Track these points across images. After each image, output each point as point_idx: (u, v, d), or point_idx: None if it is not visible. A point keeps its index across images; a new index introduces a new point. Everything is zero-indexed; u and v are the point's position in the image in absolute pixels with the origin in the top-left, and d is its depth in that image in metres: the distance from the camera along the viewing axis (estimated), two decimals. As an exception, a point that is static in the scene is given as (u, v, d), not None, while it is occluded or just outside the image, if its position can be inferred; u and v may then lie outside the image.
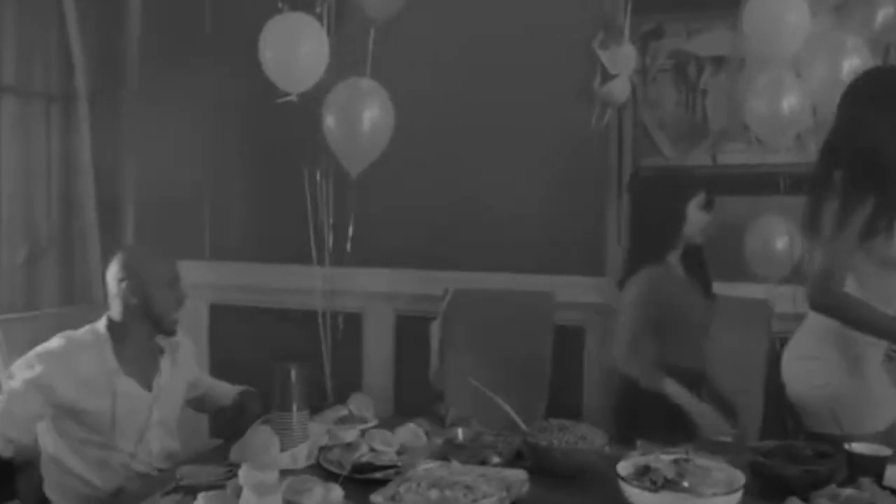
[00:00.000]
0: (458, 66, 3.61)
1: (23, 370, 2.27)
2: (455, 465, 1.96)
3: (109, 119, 3.65)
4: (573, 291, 3.47)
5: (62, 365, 2.27)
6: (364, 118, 2.96)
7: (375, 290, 3.81)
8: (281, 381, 2.18)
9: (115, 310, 2.40)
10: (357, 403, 2.52)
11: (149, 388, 2.41)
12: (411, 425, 2.24)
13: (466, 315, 3.46)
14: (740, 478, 1.79)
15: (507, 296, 3.48)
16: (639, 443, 2.16)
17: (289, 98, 2.85)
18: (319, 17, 2.98)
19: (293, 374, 2.19)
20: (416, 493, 1.78)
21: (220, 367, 4.11)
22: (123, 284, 2.37)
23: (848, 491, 1.81)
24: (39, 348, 2.31)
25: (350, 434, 2.17)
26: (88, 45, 3.55)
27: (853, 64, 2.76)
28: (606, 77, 3.13)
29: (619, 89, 3.15)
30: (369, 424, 2.40)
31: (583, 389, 3.57)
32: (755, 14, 2.86)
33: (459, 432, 2.20)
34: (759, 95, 2.97)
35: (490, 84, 3.58)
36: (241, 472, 1.81)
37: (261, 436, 2.14)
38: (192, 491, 1.87)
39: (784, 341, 2.46)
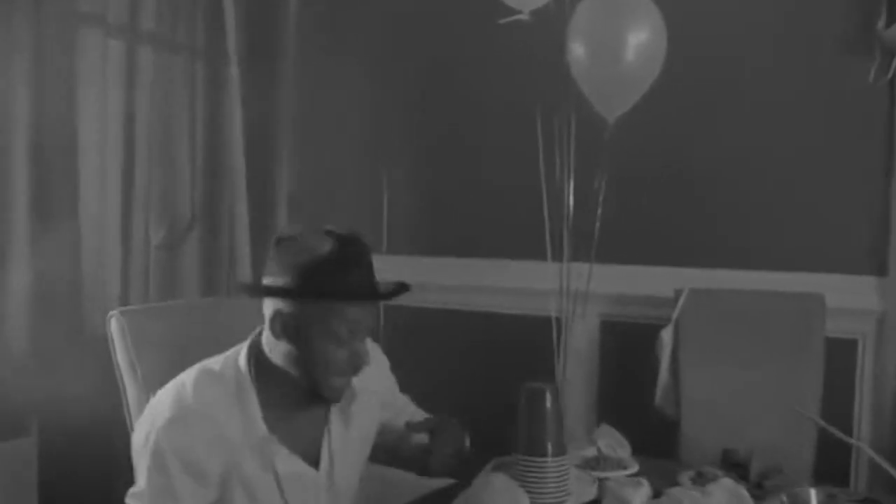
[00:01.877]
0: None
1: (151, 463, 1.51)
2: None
3: (263, 81, 3.19)
4: (845, 295, 2.71)
5: (203, 436, 1.51)
6: (629, 43, 2.32)
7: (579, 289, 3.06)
8: (530, 409, 1.50)
9: (267, 337, 1.59)
10: (607, 439, 1.89)
11: (314, 461, 1.66)
12: (728, 482, 1.50)
13: (706, 322, 2.71)
14: None
15: (760, 298, 2.72)
16: None
17: (518, 17, 2.24)
18: None
19: (548, 398, 1.49)
20: None
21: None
22: (278, 309, 1.54)
23: None
24: (156, 420, 1.53)
25: (638, 495, 1.44)
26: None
27: None
28: (895, 16, 2.57)
29: (912, 32, 2.58)
30: (630, 470, 1.78)
31: (852, 423, 2.76)
32: None
33: (813, 496, 1.41)
34: None
35: (740, 30, 2.85)
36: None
37: (500, 491, 1.44)
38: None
39: None
